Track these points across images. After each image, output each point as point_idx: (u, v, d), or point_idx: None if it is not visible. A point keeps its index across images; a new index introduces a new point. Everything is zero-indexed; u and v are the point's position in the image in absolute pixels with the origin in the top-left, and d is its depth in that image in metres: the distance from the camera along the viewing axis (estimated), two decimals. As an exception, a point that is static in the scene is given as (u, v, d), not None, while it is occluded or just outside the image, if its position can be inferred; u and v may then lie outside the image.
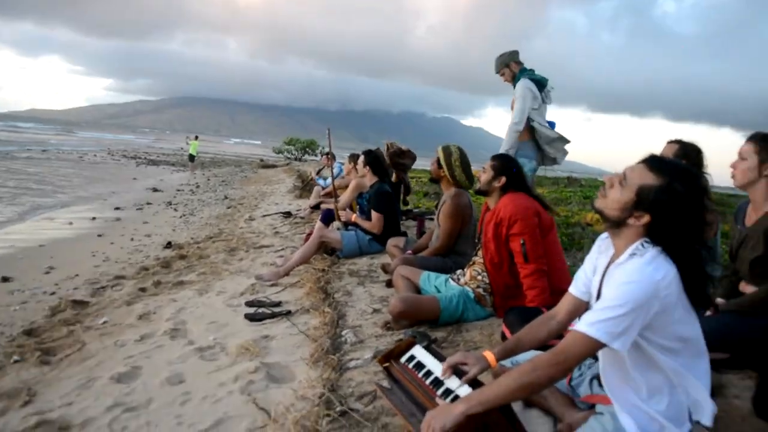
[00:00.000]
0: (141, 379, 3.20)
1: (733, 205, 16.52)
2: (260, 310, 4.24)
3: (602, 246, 2.00)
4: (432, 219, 7.69)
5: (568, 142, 5.28)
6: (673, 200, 1.71)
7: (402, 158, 6.93)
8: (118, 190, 16.15)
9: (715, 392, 2.27)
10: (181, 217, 11.62)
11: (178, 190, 17.34)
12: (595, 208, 1.89)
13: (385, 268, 4.87)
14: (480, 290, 3.46)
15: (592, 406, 1.98)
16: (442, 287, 3.68)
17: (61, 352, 3.74)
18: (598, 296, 1.90)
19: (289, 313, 4.12)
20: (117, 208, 12.39)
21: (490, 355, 2.05)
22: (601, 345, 1.67)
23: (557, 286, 3.28)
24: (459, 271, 3.72)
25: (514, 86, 5.43)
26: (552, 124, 6.02)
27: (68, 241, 8.57)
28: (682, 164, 1.80)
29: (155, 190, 16.99)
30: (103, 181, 18.58)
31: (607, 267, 1.89)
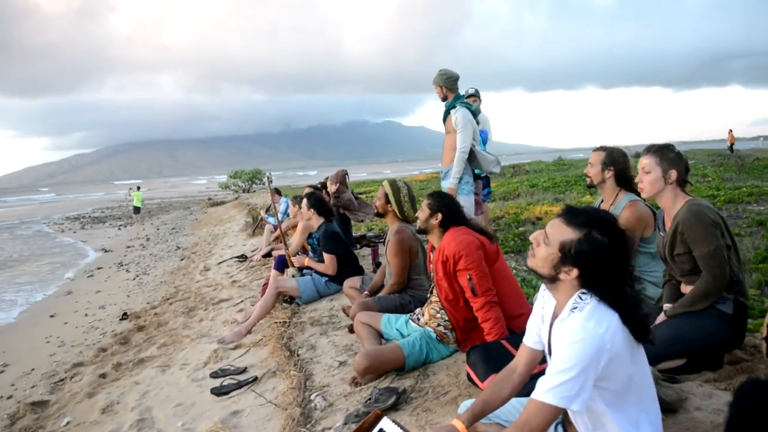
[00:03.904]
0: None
1: (702, 165, 16.96)
2: (226, 381, 4.15)
3: (545, 296, 2.02)
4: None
5: (499, 163, 5.74)
6: (595, 250, 1.75)
7: (336, 200, 7.05)
8: (66, 258, 15.62)
9: (677, 407, 2.32)
10: (134, 278, 11.32)
11: (128, 247, 16.89)
12: (529, 268, 1.92)
13: (345, 311, 4.84)
14: (441, 329, 3.46)
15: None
16: (404, 329, 3.67)
17: (24, 471, 3.59)
18: (549, 346, 1.93)
19: (255, 379, 4.04)
20: (67, 279, 12.00)
21: (459, 424, 2.03)
22: (560, 410, 1.70)
23: (514, 312, 3.31)
24: (418, 311, 3.72)
25: (446, 108, 5.60)
26: (484, 134, 6.21)
27: (19, 329, 8.24)
28: (596, 212, 1.84)
29: (105, 250, 16.53)
30: (49, 250, 17.93)
31: (553, 319, 1.92)
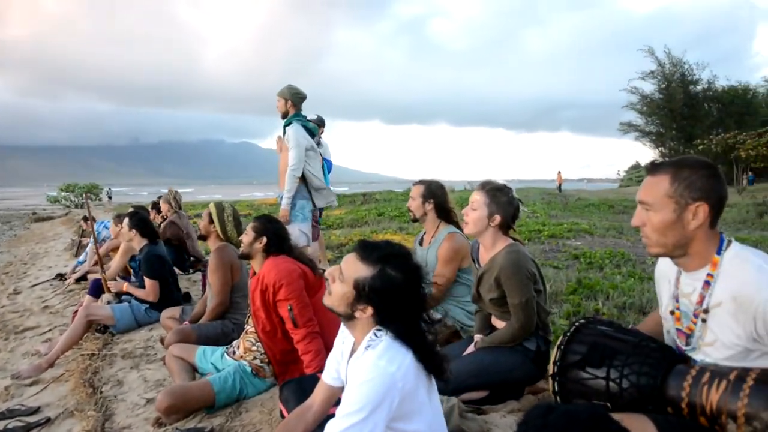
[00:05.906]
0: None
1: (533, 202, 18.14)
2: (12, 424, 3.63)
3: (345, 332, 1.96)
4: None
5: (333, 195, 5.68)
6: (388, 286, 1.71)
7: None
8: None
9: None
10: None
11: (-74, 265, 14.69)
12: (326, 306, 1.85)
13: (163, 341, 4.49)
14: (257, 362, 3.28)
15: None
16: (219, 363, 3.45)
17: None
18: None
19: (48, 421, 3.57)
20: None
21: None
22: None
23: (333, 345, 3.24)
24: (234, 343, 3.52)
25: (284, 124, 5.44)
26: (329, 164, 6.13)
27: None
28: (391, 247, 1.80)
29: None
30: None
31: (351, 355, 1.86)
